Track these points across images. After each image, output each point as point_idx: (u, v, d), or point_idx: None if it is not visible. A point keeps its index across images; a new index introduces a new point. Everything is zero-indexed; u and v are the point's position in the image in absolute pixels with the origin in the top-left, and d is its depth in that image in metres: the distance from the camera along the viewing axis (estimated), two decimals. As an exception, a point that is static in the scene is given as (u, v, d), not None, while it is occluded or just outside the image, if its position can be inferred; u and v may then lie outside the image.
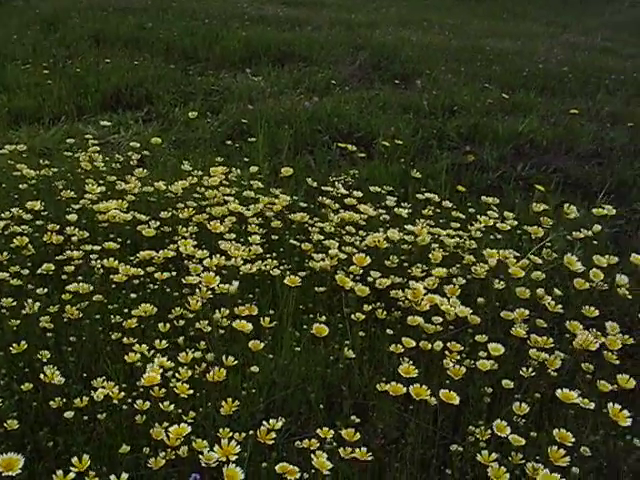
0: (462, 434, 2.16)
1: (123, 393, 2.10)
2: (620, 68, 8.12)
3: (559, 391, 2.17)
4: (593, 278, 2.85)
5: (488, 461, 1.90)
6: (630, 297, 2.86)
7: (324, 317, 2.59)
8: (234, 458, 1.80)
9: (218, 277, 2.57)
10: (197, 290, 2.55)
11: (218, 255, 2.77)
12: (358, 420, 2.07)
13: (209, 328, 2.37)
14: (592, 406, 2.14)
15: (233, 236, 3.06)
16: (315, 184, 3.84)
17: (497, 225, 3.40)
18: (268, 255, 2.99)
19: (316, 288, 2.80)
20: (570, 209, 3.45)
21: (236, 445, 1.85)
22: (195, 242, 2.94)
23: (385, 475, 2.02)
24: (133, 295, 2.62)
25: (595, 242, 3.27)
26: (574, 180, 4.71)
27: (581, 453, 2.00)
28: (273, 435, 1.93)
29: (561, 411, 2.24)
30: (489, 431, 2.06)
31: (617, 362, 2.39)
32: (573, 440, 1.96)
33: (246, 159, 4.36)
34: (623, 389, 2.26)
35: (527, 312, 2.62)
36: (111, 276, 2.66)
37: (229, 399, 2.07)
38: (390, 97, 6.27)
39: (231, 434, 1.89)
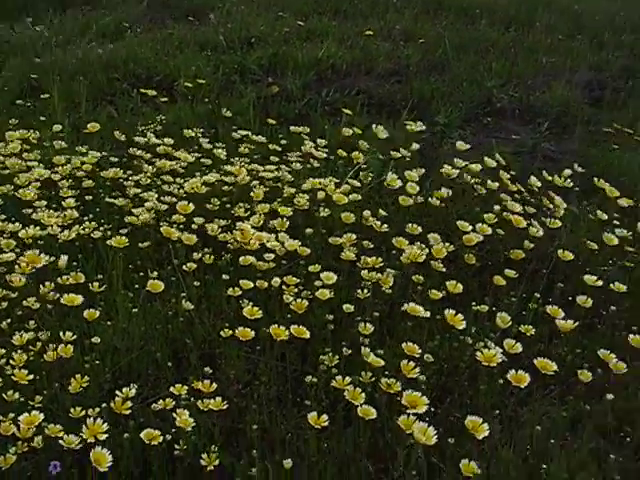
0: (312, 364, 2.21)
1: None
2: (404, -14, 8.35)
3: (406, 305, 2.29)
4: (410, 192, 2.99)
5: (344, 385, 1.97)
6: (445, 206, 3.04)
7: (155, 272, 2.53)
8: (103, 437, 1.73)
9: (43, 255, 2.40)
10: (16, 267, 2.37)
11: (32, 226, 2.59)
12: (211, 371, 2.07)
13: (37, 305, 2.23)
14: (428, 315, 2.27)
15: (44, 203, 2.88)
16: (123, 136, 3.67)
17: (312, 154, 3.45)
18: (85, 218, 2.85)
19: (141, 244, 2.72)
20: (378, 129, 3.57)
21: (103, 422, 1.78)
22: (4, 216, 2.73)
23: (245, 418, 2.04)
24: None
25: (406, 159, 3.40)
26: (378, 100, 4.84)
27: (425, 360, 2.12)
28: (129, 404, 1.88)
29: (399, 325, 2.36)
30: (337, 357, 2.13)
31: (444, 270, 2.55)
32: (420, 351, 2.08)
33: (43, 118, 4.07)
34: (452, 294, 2.42)
35: (354, 236, 2.70)
36: None
37: (77, 375, 1.98)
38: (185, 35, 6.06)
39: (83, 412, 1.82)
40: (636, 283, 2.74)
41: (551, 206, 3.05)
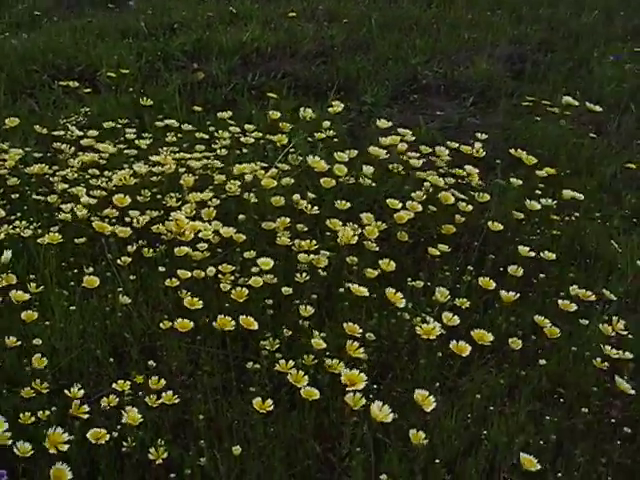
0: (253, 350, 2.22)
1: None
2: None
3: (349, 285, 2.32)
4: (337, 173, 3.01)
5: (287, 369, 1.99)
6: (375, 185, 3.07)
7: (90, 269, 2.50)
8: (65, 447, 1.71)
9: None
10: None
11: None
12: (154, 364, 2.06)
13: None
14: (367, 294, 2.30)
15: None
16: (45, 130, 3.58)
17: (241, 139, 3.44)
18: (13, 217, 2.78)
19: (74, 240, 2.67)
20: (306, 112, 3.57)
21: (63, 432, 1.75)
22: None
23: (191, 409, 2.04)
24: None
25: (335, 140, 3.42)
26: (304, 82, 4.83)
27: (367, 339, 2.16)
28: (86, 408, 1.86)
29: (337, 305, 2.39)
30: (277, 341, 2.15)
31: (377, 249, 2.58)
32: (361, 331, 2.11)
33: (-44, 114, 3.93)
34: (386, 272, 2.46)
35: (288, 220, 2.71)
36: None
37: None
38: (105, 23, 5.92)
39: (33, 417, 1.79)
40: (563, 251, 2.85)
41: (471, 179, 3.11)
